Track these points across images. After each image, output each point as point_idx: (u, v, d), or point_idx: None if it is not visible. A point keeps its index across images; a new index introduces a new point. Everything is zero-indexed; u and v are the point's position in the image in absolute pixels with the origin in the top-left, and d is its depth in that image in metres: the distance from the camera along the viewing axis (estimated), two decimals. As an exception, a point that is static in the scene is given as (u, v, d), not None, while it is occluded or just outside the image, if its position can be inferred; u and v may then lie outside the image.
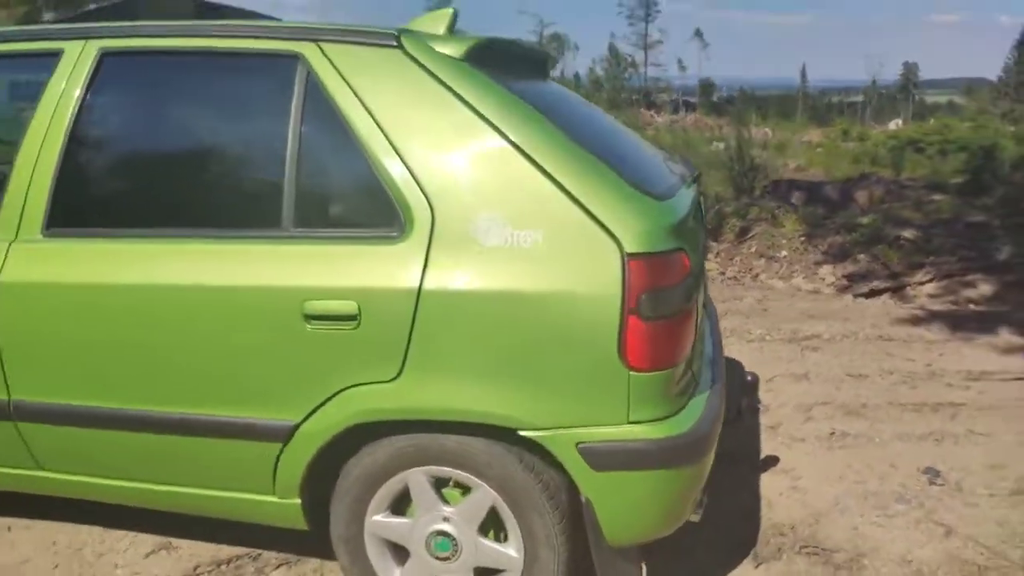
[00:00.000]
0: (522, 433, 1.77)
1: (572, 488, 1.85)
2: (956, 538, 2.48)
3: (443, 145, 1.81)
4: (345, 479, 1.95)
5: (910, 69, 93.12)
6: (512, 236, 1.74)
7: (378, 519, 1.96)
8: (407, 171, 1.80)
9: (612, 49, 73.95)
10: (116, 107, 2.12)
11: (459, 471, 1.87)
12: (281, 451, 1.92)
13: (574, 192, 1.73)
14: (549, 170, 1.75)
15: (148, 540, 2.44)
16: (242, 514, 2.10)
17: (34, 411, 2.07)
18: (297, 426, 1.88)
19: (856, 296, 6.12)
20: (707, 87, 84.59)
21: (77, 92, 2.03)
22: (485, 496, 1.87)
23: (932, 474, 2.89)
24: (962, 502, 2.71)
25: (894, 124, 32.94)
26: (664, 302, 1.72)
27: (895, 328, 4.90)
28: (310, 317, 1.80)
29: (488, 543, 1.92)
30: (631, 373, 1.70)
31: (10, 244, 2.02)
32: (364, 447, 1.90)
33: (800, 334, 4.72)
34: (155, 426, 1.99)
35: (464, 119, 1.81)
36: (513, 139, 1.77)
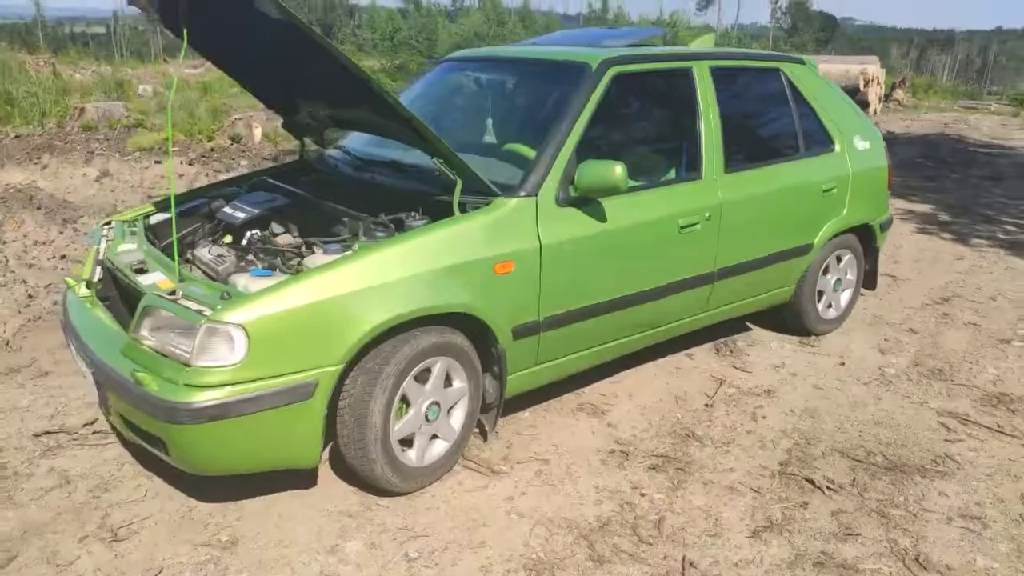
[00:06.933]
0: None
1: None
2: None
3: (843, 109, 4.22)
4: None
5: None
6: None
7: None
8: (833, 122, 4.15)
9: None
10: (728, 97, 3.80)
11: None
12: (800, 259, 4.08)
13: None
14: None
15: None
16: (768, 303, 4.14)
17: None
18: (811, 244, 4.03)
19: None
20: None
21: (712, 90, 3.71)
22: None
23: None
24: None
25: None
26: None
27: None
28: (823, 191, 4.01)
29: None
30: None
31: (716, 179, 3.64)
32: (836, 253, 4.20)
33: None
34: (759, 264, 3.90)
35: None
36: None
